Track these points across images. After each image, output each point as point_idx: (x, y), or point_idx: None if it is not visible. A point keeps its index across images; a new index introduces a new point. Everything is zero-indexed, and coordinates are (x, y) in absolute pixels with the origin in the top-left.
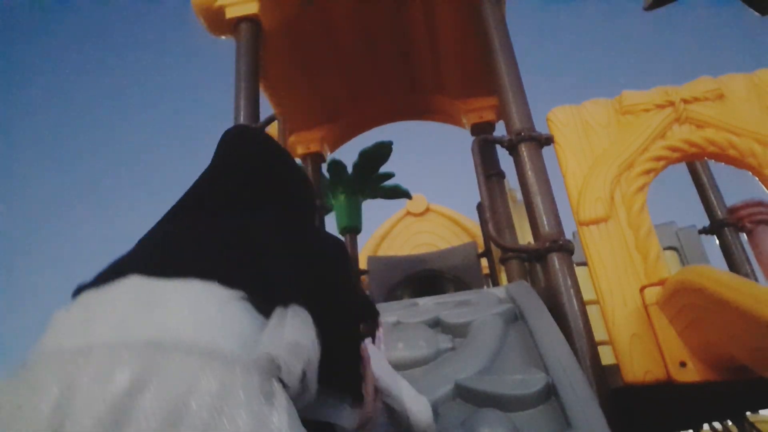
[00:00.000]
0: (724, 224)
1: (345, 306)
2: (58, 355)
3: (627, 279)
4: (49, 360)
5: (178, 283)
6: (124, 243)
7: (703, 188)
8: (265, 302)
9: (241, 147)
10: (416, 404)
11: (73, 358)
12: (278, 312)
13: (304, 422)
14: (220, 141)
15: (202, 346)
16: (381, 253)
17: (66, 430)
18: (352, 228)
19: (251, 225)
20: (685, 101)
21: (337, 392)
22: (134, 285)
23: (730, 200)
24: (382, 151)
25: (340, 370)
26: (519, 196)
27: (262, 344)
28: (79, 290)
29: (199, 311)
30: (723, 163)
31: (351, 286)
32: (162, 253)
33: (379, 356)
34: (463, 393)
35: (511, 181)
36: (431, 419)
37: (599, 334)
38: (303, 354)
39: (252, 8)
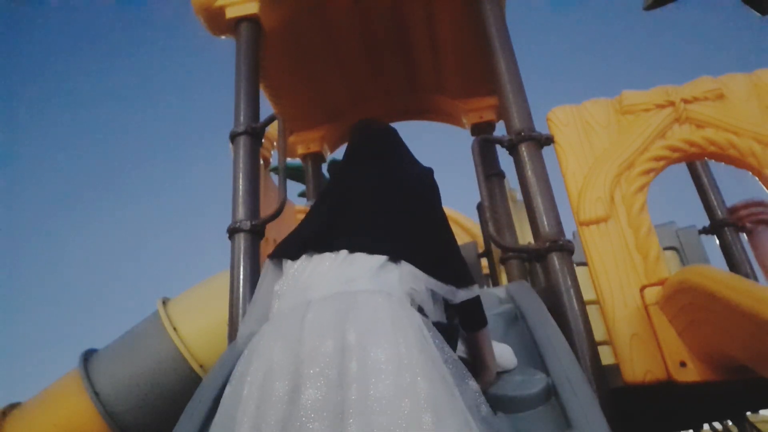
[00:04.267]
0: (725, 224)
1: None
2: (295, 307)
3: (627, 279)
4: (291, 311)
5: (356, 256)
6: (125, 243)
7: (703, 188)
8: (397, 260)
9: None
10: (501, 349)
11: (305, 308)
12: (404, 266)
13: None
14: (354, 130)
15: (375, 289)
16: None
17: (307, 353)
18: None
19: (398, 203)
20: (685, 101)
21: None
22: (334, 257)
23: (730, 200)
24: None
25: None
26: (519, 196)
27: (402, 286)
28: (282, 253)
29: (371, 272)
30: (723, 163)
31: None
32: (346, 235)
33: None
34: None
35: (511, 181)
36: (513, 358)
37: (599, 334)
38: (421, 289)
39: (252, 8)
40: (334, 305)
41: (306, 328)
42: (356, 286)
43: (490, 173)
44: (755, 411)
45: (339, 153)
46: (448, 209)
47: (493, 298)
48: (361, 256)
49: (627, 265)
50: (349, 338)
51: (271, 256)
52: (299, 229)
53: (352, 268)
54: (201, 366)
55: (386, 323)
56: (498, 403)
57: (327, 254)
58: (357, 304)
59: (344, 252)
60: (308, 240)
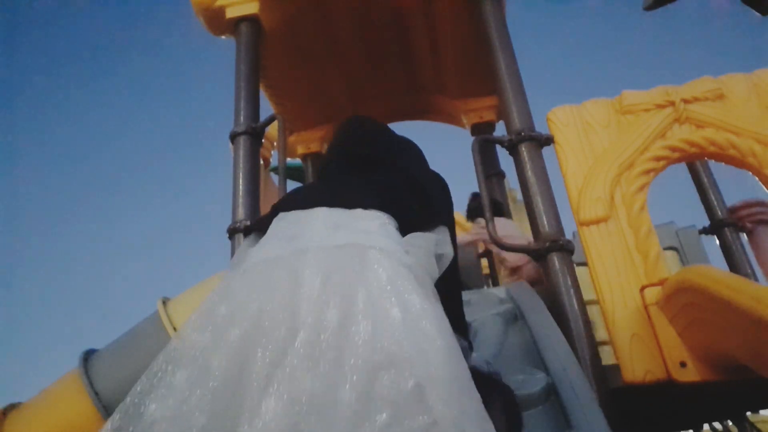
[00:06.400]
0: (725, 224)
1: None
2: (283, 257)
3: (627, 279)
4: (278, 260)
5: (353, 211)
6: (125, 243)
7: (703, 188)
8: (398, 222)
9: (359, 128)
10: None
11: (296, 256)
12: (405, 238)
13: None
14: (343, 125)
15: (376, 245)
16: None
17: (301, 308)
18: None
19: (382, 177)
20: (686, 101)
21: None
22: (324, 212)
23: (730, 200)
24: None
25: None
26: (519, 196)
27: (404, 245)
28: (275, 211)
29: (371, 228)
30: (723, 163)
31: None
32: (334, 194)
33: None
34: None
35: (511, 181)
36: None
37: (599, 334)
38: (421, 249)
39: (252, 8)
40: (342, 260)
41: (303, 289)
42: (367, 239)
43: (490, 173)
44: (755, 411)
45: None
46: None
47: (493, 297)
48: (359, 212)
49: (627, 265)
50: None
51: (251, 230)
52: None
53: (352, 220)
54: None
55: (414, 300)
56: None
57: (318, 209)
58: (368, 261)
59: (337, 208)
60: (290, 202)
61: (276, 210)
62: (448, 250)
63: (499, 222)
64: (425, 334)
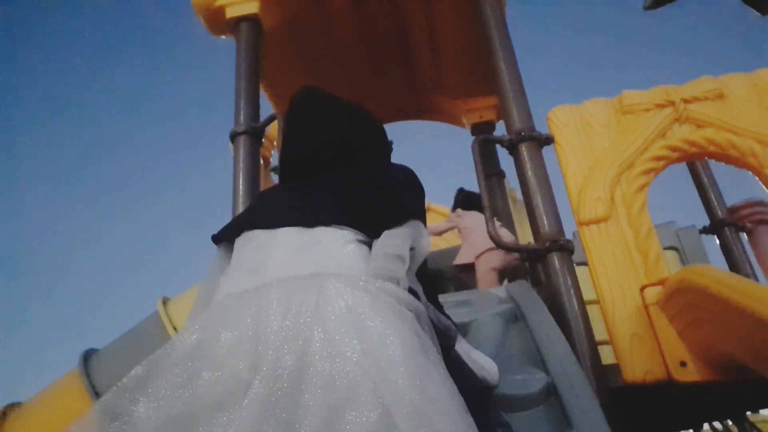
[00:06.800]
0: (725, 224)
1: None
2: (248, 292)
3: (627, 279)
4: (243, 295)
5: (315, 230)
6: (125, 243)
7: (703, 188)
8: (366, 234)
9: (312, 113)
10: (487, 361)
11: (260, 291)
12: (379, 240)
13: None
14: (291, 105)
15: (337, 272)
16: None
17: (263, 342)
18: None
19: (342, 181)
20: (686, 101)
21: None
22: (286, 234)
23: (731, 200)
24: None
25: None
26: (519, 196)
27: (371, 261)
28: (222, 237)
29: (334, 250)
30: (723, 163)
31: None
32: (295, 209)
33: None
34: None
35: (511, 181)
36: (497, 373)
37: (599, 334)
38: (393, 260)
39: (252, 8)
40: (300, 296)
41: (265, 330)
42: (328, 266)
43: (490, 173)
44: (755, 411)
45: None
46: (449, 208)
47: (493, 297)
48: (321, 231)
49: (627, 265)
50: (317, 347)
51: (216, 240)
52: (239, 215)
53: (314, 244)
54: None
55: (373, 330)
56: (498, 403)
57: (280, 229)
58: (326, 294)
59: (299, 227)
60: (253, 218)
61: (240, 226)
62: (423, 242)
63: (470, 214)
64: (389, 360)
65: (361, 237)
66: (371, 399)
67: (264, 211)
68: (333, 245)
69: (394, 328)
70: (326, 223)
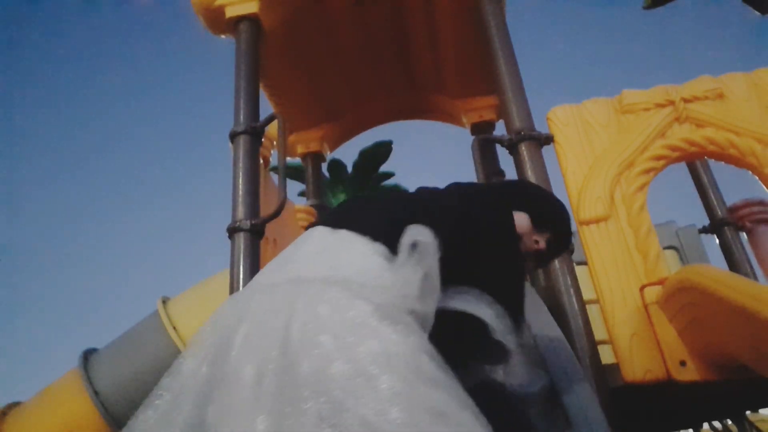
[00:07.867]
0: (725, 223)
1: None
2: (270, 286)
3: (627, 278)
4: (266, 289)
5: (343, 234)
6: (125, 243)
7: (703, 188)
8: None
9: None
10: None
11: (263, 291)
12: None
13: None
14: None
15: (339, 278)
16: None
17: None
18: None
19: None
20: (686, 100)
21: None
22: (319, 233)
23: (731, 200)
24: (381, 151)
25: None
26: None
27: (386, 278)
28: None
29: (350, 256)
30: (723, 163)
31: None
32: (337, 216)
33: None
34: None
35: None
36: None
37: (599, 333)
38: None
39: (252, 7)
40: (295, 301)
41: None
42: (334, 271)
43: (490, 173)
44: (755, 410)
45: (339, 152)
46: None
47: None
48: (344, 234)
49: (627, 265)
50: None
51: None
52: None
53: (338, 245)
54: None
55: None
56: None
57: (318, 228)
58: (298, 304)
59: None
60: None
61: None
62: (421, 238)
63: None
64: (372, 374)
65: (383, 250)
66: (351, 414)
67: (328, 213)
68: (349, 252)
69: (382, 340)
70: (352, 228)
